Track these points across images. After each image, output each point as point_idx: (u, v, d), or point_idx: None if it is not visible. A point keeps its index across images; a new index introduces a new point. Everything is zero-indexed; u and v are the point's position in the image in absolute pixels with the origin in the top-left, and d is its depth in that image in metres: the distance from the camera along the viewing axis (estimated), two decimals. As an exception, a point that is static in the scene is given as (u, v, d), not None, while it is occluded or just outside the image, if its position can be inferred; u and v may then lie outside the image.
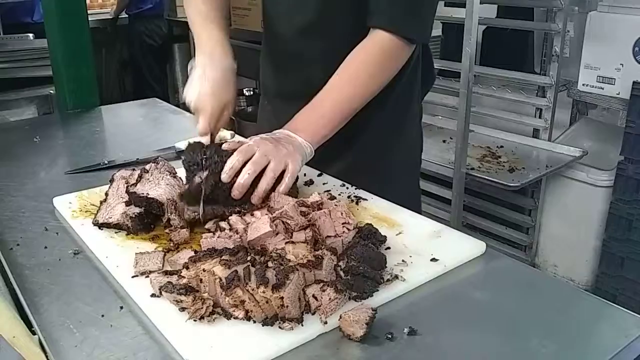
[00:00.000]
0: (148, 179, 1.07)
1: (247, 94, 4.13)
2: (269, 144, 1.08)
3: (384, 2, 1.22)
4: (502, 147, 2.80)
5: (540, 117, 2.79)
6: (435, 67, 1.56)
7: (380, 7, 1.22)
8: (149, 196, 1.02)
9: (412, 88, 1.44)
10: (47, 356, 0.75)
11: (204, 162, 1.03)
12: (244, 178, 1.02)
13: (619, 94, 2.48)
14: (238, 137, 1.19)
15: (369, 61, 1.23)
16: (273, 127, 1.21)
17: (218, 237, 0.90)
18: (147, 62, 5.18)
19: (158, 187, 1.05)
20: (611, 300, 0.85)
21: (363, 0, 1.23)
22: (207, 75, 1.18)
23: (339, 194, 1.16)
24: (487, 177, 2.48)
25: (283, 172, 1.06)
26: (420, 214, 1.13)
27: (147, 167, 1.09)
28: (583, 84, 2.60)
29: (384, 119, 1.38)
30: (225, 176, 1.02)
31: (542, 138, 2.78)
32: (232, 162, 1.03)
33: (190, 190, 1.02)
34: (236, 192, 1.02)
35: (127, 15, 5.11)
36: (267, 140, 1.09)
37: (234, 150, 1.05)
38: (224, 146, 1.07)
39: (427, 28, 1.29)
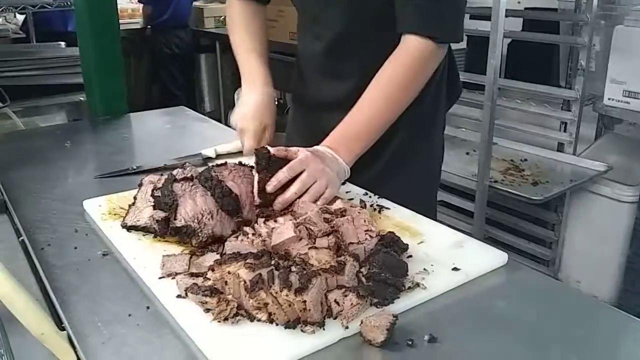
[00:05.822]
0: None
1: (273, 103, 4.16)
2: (319, 163, 1.11)
3: (410, 6, 1.21)
4: (525, 160, 2.78)
5: (565, 130, 2.77)
6: (460, 79, 1.57)
7: (407, 12, 1.22)
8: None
9: (438, 101, 1.45)
10: (76, 352, 0.77)
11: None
12: (290, 194, 1.06)
13: (645, 109, 2.46)
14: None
15: (401, 73, 1.23)
16: (304, 138, 1.23)
17: (241, 241, 0.92)
18: (169, 71, 5.26)
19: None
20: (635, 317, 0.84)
21: (389, 12, 1.24)
22: (249, 100, 1.30)
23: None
24: (510, 190, 2.46)
25: None
26: None
27: (175, 172, 1.11)
28: (609, 98, 2.58)
29: (410, 132, 1.38)
30: (270, 187, 1.06)
31: (566, 152, 2.75)
32: (279, 177, 1.06)
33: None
34: (278, 206, 1.06)
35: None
36: (317, 158, 1.12)
37: (280, 157, 1.09)
38: (272, 151, 1.11)
39: (457, 27, 1.27)
